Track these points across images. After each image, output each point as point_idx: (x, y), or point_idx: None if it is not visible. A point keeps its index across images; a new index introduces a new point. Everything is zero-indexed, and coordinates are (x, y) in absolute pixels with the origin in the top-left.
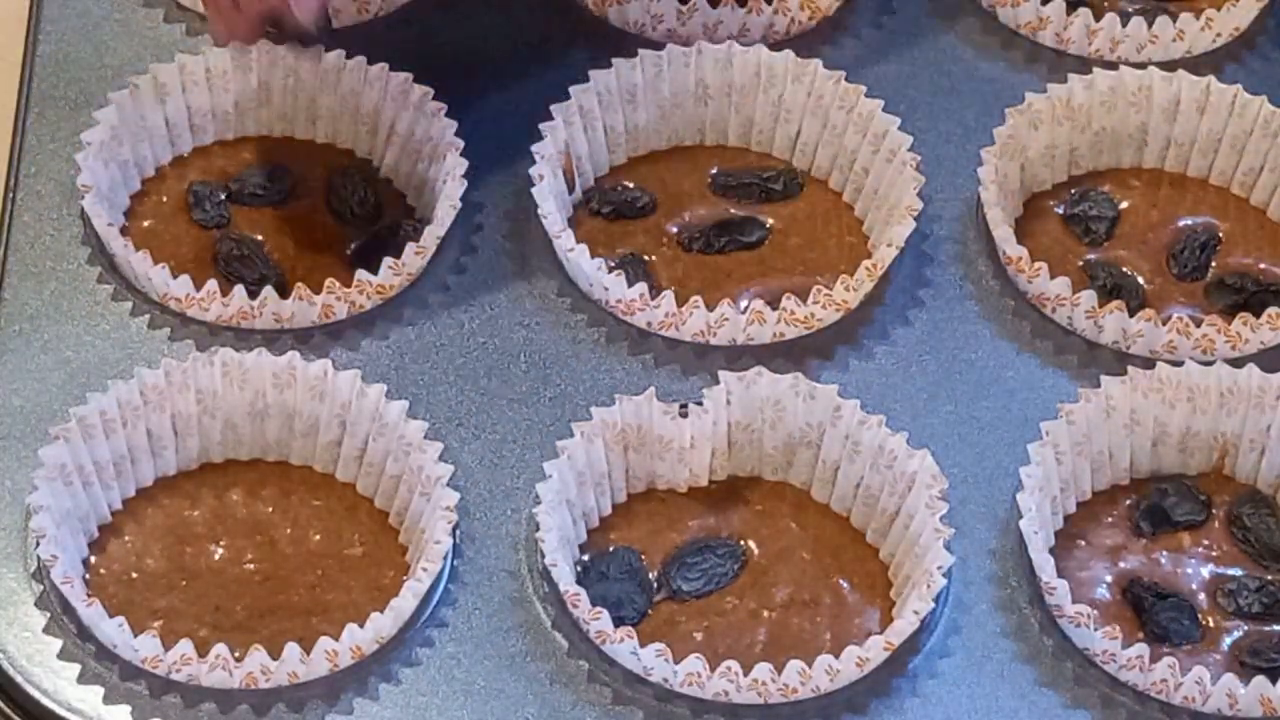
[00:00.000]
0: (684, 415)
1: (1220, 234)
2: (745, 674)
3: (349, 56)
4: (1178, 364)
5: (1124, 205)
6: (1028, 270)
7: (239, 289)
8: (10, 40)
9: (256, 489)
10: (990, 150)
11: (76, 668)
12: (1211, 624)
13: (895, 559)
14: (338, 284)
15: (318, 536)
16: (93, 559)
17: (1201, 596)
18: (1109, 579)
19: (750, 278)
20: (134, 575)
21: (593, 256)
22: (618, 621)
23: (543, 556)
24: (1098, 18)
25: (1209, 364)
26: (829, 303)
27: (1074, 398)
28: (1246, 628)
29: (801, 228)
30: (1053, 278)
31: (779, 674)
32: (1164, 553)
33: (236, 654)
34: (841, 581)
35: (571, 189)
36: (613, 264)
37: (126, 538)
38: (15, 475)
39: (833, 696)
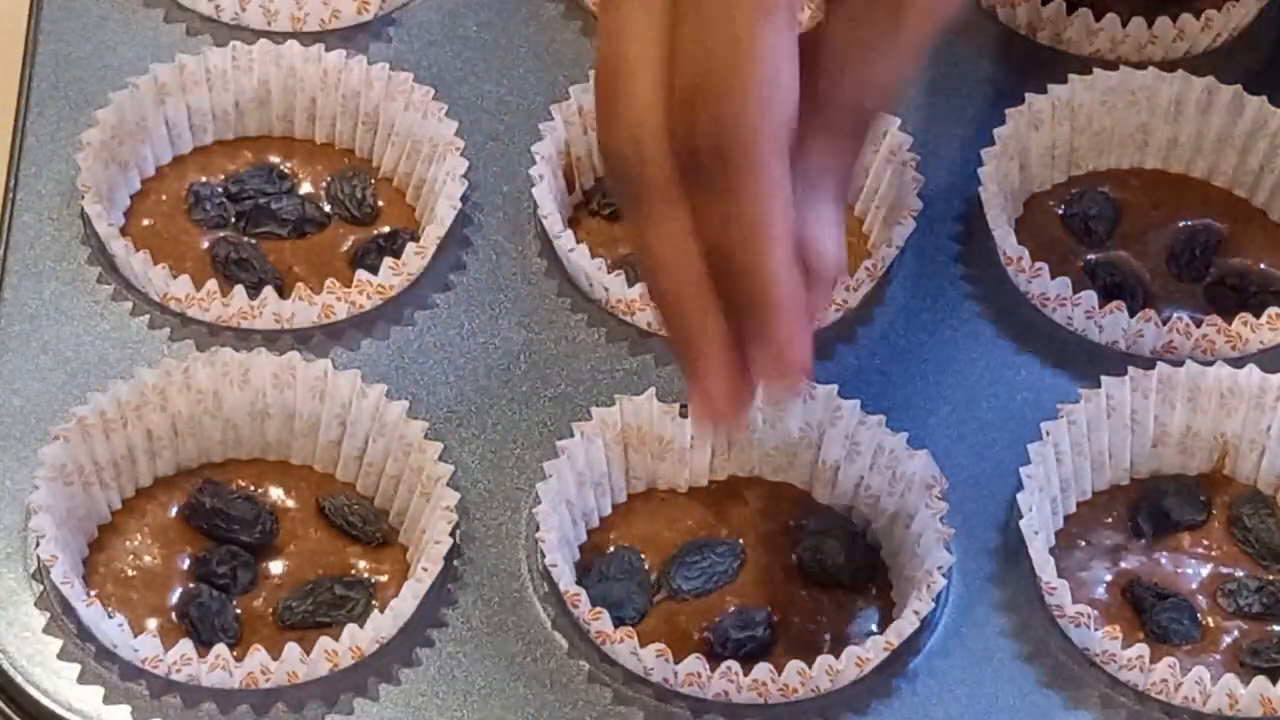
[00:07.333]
0: (684, 415)
1: (1220, 234)
2: (745, 674)
3: (349, 56)
4: (1178, 364)
5: (1124, 205)
6: (1028, 270)
7: (239, 289)
8: (10, 40)
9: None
10: (990, 150)
11: (76, 668)
12: (1211, 624)
13: (895, 559)
14: (338, 284)
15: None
16: (93, 559)
17: (1201, 597)
18: (1109, 579)
19: None
20: (134, 575)
21: (593, 256)
22: (618, 621)
23: (543, 556)
24: (1098, 18)
25: (1209, 364)
26: (829, 303)
27: (1074, 398)
28: (1246, 628)
29: None
30: (1053, 278)
31: (779, 674)
32: (1164, 553)
33: (236, 654)
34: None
35: (571, 189)
36: (613, 264)
37: (126, 538)
38: (15, 475)
39: (833, 696)
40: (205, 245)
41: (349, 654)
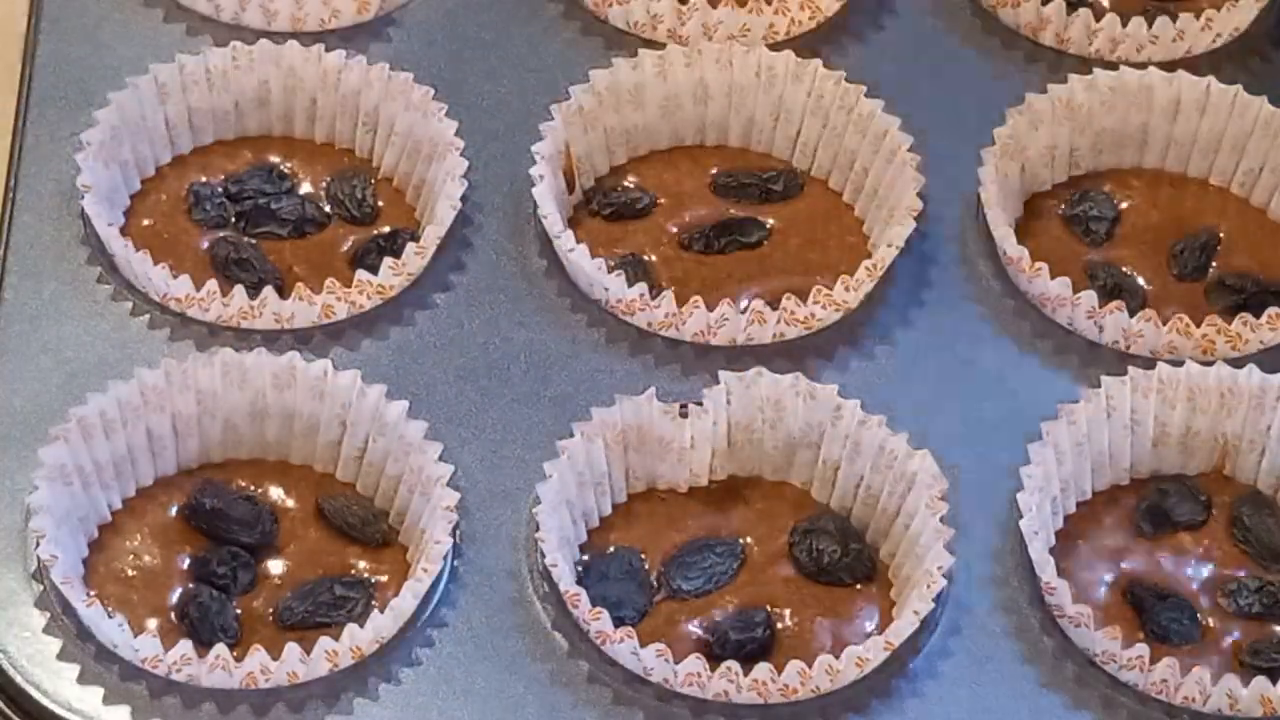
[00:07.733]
0: (684, 415)
1: (1220, 234)
2: (745, 674)
3: (349, 56)
4: (1178, 364)
5: (1124, 205)
6: (1028, 270)
7: (239, 289)
8: (10, 40)
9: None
10: (990, 150)
11: (76, 668)
12: (1211, 624)
13: (895, 559)
14: (338, 284)
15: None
16: (92, 559)
17: (1202, 597)
18: (1109, 579)
19: (750, 278)
20: (134, 575)
21: (593, 256)
22: (618, 621)
23: (543, 556)
24: (1098, 18)
25: (1209, 364)
26: (829, 303)
27: (1074, 398)
28: (1246, 627)
29: (801, 228)
30: (1053, 278)
31: (779, 674)
32: (1164, 553)
33: (236, 654)
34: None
35: (571, 189)
36: (613, 264)
37: (126, 538)
38: (15, 475)
39: (833, 696)
40: (205, 245)
41: (349, 654)
